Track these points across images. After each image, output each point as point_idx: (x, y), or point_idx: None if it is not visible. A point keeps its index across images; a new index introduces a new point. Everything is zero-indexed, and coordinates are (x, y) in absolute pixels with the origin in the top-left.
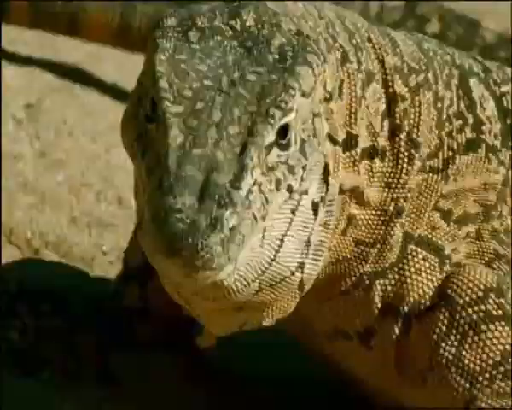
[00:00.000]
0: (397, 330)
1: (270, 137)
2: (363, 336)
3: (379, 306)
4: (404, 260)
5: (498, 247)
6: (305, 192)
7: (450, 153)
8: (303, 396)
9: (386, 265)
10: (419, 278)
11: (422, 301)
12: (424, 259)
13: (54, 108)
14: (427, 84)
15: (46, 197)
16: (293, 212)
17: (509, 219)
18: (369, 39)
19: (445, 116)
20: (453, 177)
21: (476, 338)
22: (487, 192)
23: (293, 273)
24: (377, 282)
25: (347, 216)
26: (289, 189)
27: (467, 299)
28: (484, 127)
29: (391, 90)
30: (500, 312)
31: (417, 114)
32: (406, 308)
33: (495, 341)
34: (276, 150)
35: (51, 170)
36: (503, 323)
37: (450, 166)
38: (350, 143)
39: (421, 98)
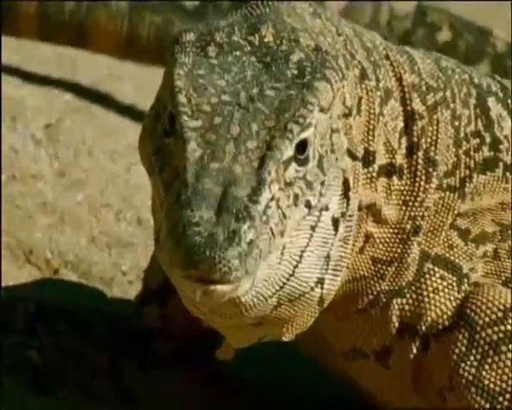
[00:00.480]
0: (414, 349)
1: (289, 152)
2: (381, 356)
3: (396, 325)
4: (422, 279)
5: None
6: (326, 208)
7: (468, 172)
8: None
9: (403, 283)
10: (436, 297)
11: (440, 320)
12: (442, 278)
13: (73, 127)
14: (444, 102)
15: (65, 217)
16: (312, 228)
17: None
18: (387, 57)
19: (462, 134)
20: (470, 196)
21: (497, 359)
22: (504, 211)
23: (312, 289)
24: (394, 301)
25: (364, 234)
26: (308, 204)
27: (486, 319)
28: (501, 146)
29: (409, 108)
30: None
31: (435, 133)
32: (424, 328)
33: None
34: (294, 165)
35: (71, 190)
36: None
37: (467, 184)
38: (367, 159)
39: (439, 116)
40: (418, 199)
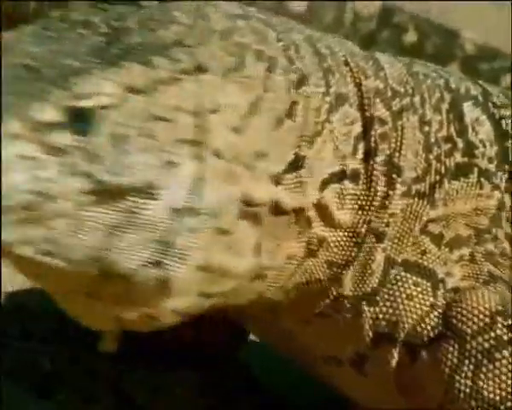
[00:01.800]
0: (395, 357)
1: (48, 115)
2: (355, 362)
3: (370, 333)
4: (395, 287)
5: (493, 269)
6: (146, 192)
7: (438, 177)
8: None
9: (369, 289)
10: (411, 304)
11: (421, 329)
12: (415, 284)
13: None
14: (412, 108)
15: None
16: (128, 210)
17: (505, 243)
18: (346, 63)
19: (432, 140)
20: (443, 202)
21: (491, 367)
22: (479, 217)
23: (141, 269)
24: (366, 309)
25: (317, 238)
26: (91, 177)
27: (475, 328)
28: (477, 151)
29: (367, 113)
30: (510, 335)
31: (399, 138)
32: (403, 335)
33: (511, 367)
34: (66, 133)
35: None
36: None
37: (438, 190)
38: (296, 164)
39: (404, 122)
40: (376, 204)
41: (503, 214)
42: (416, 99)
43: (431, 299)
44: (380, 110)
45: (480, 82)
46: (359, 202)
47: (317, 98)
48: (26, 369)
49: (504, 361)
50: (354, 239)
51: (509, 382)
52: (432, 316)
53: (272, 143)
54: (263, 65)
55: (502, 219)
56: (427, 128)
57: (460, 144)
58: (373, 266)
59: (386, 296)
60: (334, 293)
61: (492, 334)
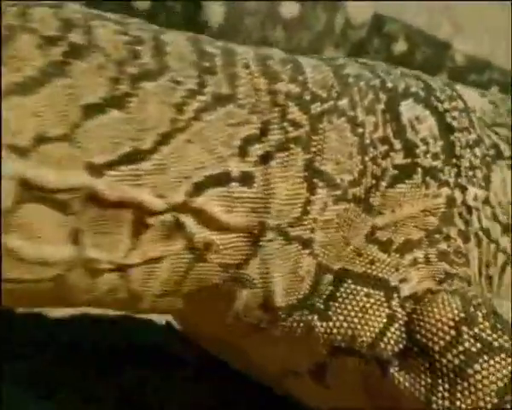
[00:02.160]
0: (360, 368)
1: None
2: (315, 374)
3: (326, 347)
4: (346, 301)
5: (448, 267)
6: None
7: (375, 180)
8: None
9: (300, 297)
10: (366, 317)
11: (384, 342)
12: (367, 296)
13: None
14: (337, 111)
15: None
16: None
17: (458, 240)
18: (246, 66)
19: (367, 141)
20: (390, 209)
21: (466, 384)
22: (428, 218)
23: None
24: (319, 324)
25: (203, 243)
26: None
27: (442, 343)
28: (418, 150)
29: (266, 116)
30: (479, 345)
31: (321, 142)
32: (364, 348)
33: (485, 381)
34: None
35: None
36: (485, 357)
37: (378, 194)
38: (135, 158)
39: (326, 126)
40: (272, 206)
41: (454, 211)
42: (344, 102)
43: (386, 310)
44: (293, 113)
45: (424, 76)
46: (253, 205)
47: (174, 95)
48: (27, 370)
49: (478, 376)
50: (250, 240)
51: (488, 398)
52: (393, 329)
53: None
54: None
55: (453, 216)
56: (360, 130)
57: (397, 145)
58: (301, 272)
59: (338, 311)
60: (244, 299)
61: (460, 348)
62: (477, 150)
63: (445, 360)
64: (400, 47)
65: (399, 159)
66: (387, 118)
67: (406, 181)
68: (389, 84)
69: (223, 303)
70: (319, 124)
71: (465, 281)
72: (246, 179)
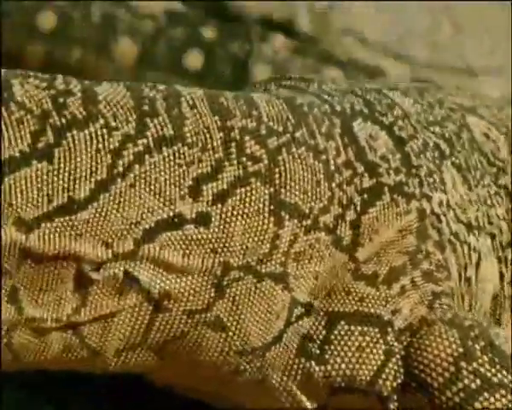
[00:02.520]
0: (358, 404)
1: None
2: None
3: (326, 390)
4: (342, 342)
5: (434, 286)
6: None
7: (341, 210)
8: None
9: (276, 334)
10: (363, 355)
11: (383, 378)
12: (362, 334)
13: None
14: (295, 142)
15: None
16: None
17: (437, 253)
18: (193, 106)
19: (333, 167)
20: (368, 237)
21: None
22: (406, 239)
23: None
24: (317, 369)
25: (163, 294)
26: None
27: (441, 380)
28: (380, 169)
29: (219, 154)
30: (478, 381)
31: (284, 174)
32: (363, 385)
33: None
34: None
35: None
36: (486, 395)
37: (347, 223)
38: (69, 206)
39: (286, 157)
40: (232, 243)
41: (426, 222)
42: (300, 133)
43: (383, 346)
44: (251, 148)
45: (359, 92)
46: (211, 245)
47: (109, 141)
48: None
49: None
50: (215, 282)
51: None
52: (390, 365)
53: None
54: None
55: (427, 228)
56: (324, 157)
57: (360, 168)
58: (276, 309)
59: (335, 353)
60: (221, 345)
61: (460, 385)
62: (428, 154)
63: (444, 398)
64: None
65: (365, 182)
66: (346, 141)
67: (376, 203)
68: (338, 107)
69: (195, 353)
70: (279, 156)
71: (450, 296)
72: (202, 220)
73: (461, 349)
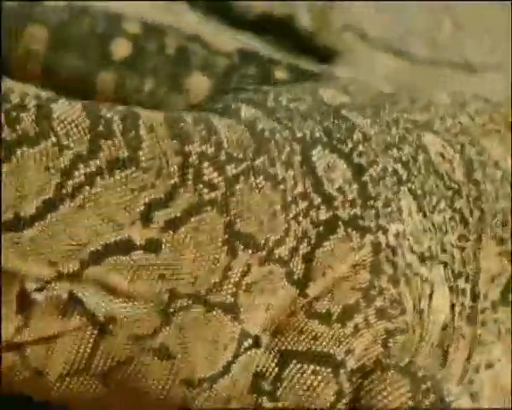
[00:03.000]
0: None
1: None
2: None
3: None
4: (294, 380)
5: (388, 324)
6: None
7: (295, 243)
8: None
9: (224, 364)
10: (314, 395)
11: None
12: (314, 373)
13: None
14: (254, 170)
15: None
16: None
17: (391, 288)
18: (151, 129)
19: (290, 198)
20: (321, 272)
21: None
22: (359, 274)
23: None
24: (269, 405)
25: (107, 317)
26: None
27: None
28: (336, 202)
29: (173, 180)
30: None
31: (240, 203)
32: None
33: None
34: None
35: None
36: None
37: (300, 257)
38: (15, 223)
39: (244, 186)
40: (179, 271)
41: (381, 256)
42: (261, 160)
43: (334, 386)
44: (208, 175)
45: (317, 116)
46: (161, 273)
47: (60, 160)
48: None
49: None
50: (162, 309)
51: None
52: (340, 405)
53: None
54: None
55: (381, 262)
56: (282, 187)
57: (317, 200)
58: (224, 340)
59: (286, 390)
60: (166, 374)
61: None
62: (387, 181)
63: None
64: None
65: (321, 214)
66: (305, 170)
67: (331, 237)
68: (298, 134)
69: (141, 381)
70: (236, 185)
71: (405, 331)
72: (151, 247)
73: (410, 402)
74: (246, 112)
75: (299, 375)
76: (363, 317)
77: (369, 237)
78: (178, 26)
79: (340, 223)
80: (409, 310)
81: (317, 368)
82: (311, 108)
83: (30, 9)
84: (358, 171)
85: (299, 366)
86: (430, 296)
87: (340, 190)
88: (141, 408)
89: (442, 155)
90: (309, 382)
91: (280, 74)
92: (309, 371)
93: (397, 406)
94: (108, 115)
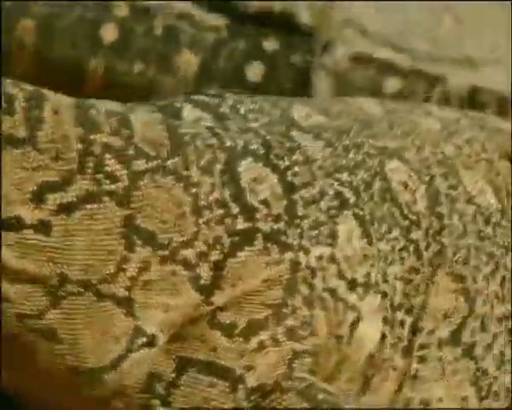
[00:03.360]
0: None
1: None
2: None
3: None
4: (188, 389)
5: (297, 345)
6: None
7: (206, 248)
8: None
9: (114, 358)
10: (210, 408)
11: None
12: (211, 385)
13: None
14: (164, 170)
15: None
16: None
17: (305, 309)
18: (55, 111)
19: (203, 203)
20: (230, 282)
21: None
22: (272, 290)
23: None
24: (160, 409)
25: None
26: None
27: None
28: (258, 215)
29: (69, 166)
30: None
31: (143, 199)
32: None
33: None
34: None
35: None
36: None
37: (209, 264)
38: None
39: (149, 183)
40: (70, 257)
41: (298, 276)
42: (174, 161)
43: (231, 403)
44: (111, 166)
45: (263, 131)
46: (51, 255)
47: None
48: None
49: None
50: (50, 290)
51: None
52: None
53: None
54: None
55: (297, 282)
56: (194, 190)
57: (235, 209)
58: (116, 332)
59: (180, 399)
60: (72, 360)
61: None
62: (322, 204)
63: None
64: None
65: (239, 224)
66: (225, 179)
67: (246, 248)
68: (227, 143)
69: (30, 360)
70: (140, 181)
71: (314, 354)
72: (42, 227)
73: None
74: (189, 112)
75: (195, 384)
76: (271, 334)
77: (289, 255)
78: (167, 5)
79: (259, 235)
80: (321, 334)
81: (215, 380)
82: (269, 123)
83: (24, 5)
84: (290, 189)
85: (196, 375)
86: (354, 324)
87: (264, 202)
88: (46, 385)
89: (405, 185)
90: (205, 393)
91: (269, 45)
92: (206, 383)
93: None
94: (13, 92)
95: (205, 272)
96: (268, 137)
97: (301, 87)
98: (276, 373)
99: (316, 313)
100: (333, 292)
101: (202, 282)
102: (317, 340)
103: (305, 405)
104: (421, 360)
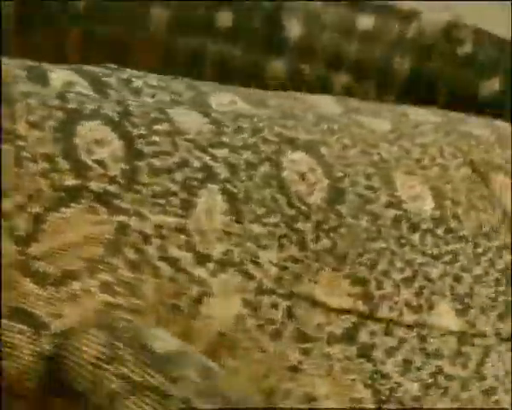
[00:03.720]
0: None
1: None
2: None
3: None
4: (2, 337)
5: (110, 298)
6: None
7: (26, 200)
8: None
9: None
10: (15, 353)
11: (27, 377)
12: (20, 332)
13: None
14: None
15: None
16: None
17: (126, 271)
18: None
19: (27, 155)
20: (49, 235)
21: None
22: (92, 246)
23: None
24: None
25: None
26: None
27: (84, 384)
28: (91, 173)
29: None
30: (125, 385)
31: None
32: (14, 384)
33: None
34: None
35: None
36: (133, 398)
37: (28, 216)
38: None
39: None
40: None
41: (125, 239)
42: (4, 113)
43: (36, 348)
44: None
45: (130, 102)
46: None
47: None
48: None
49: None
50: None
51: None
52: (38, 367)
53: None
54: None
55: (121, 244)
56: (19, 143)
57: (64, 165)
58: None
59: None
60: None
61: (105, 389)
62: (177, 175)
63: (90, 403)
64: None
65: (66, 180)
66: (58, 136)
67: (72, 205)
68: (72, 105)
69: None
70: None
71: (131, 312)
72: None
73: (107, 351)
74: (61, 76)
75: (6, 332)
76: (83, 285)
77: (118, 217)
78: None
79: (88, 194)
80: (146, 297)
81: (24, 327)
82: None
83: None
84: (136, 155)
85: (6, 321)
86: (200, 298)
87: (101, 163)
88: None
89: (302, 176)
90: (15, 341)
91: None
92: (16, 329)
93: (92, 355)
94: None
95: (22, 223)
96: (131, 107)
97: (272, 31)
98: (86, 320)
99: (143, 277)
100: (173, 262)
101: (19, 233)
102: (137, 301)
103: (103, 335)
104: (305, 352)
